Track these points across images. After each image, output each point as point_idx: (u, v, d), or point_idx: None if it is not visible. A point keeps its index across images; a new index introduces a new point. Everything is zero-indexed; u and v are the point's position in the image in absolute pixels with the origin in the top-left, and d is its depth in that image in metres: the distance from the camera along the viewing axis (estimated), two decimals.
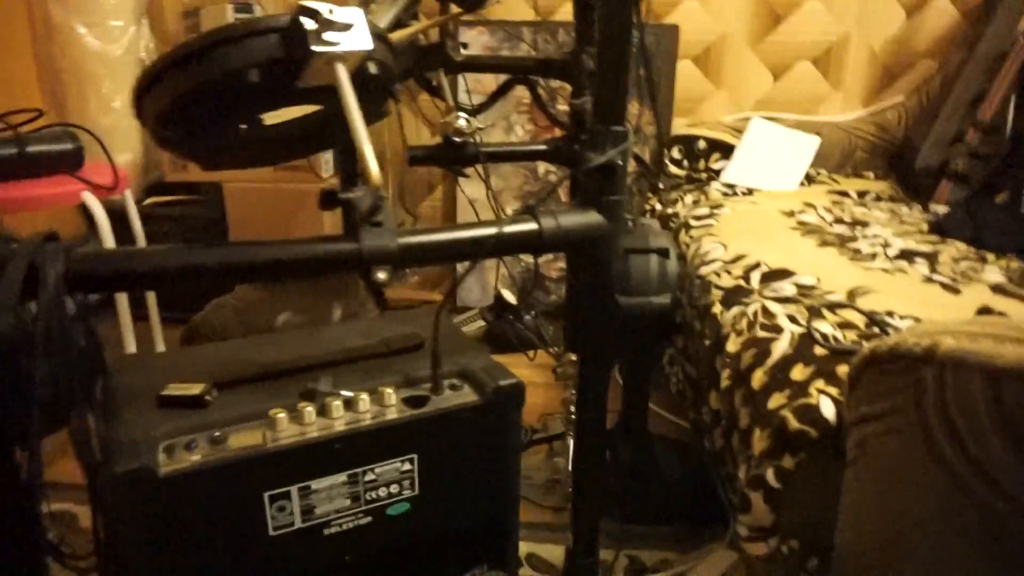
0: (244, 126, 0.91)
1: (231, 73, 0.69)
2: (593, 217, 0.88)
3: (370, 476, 0.81)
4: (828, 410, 0.71)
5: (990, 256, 1.24)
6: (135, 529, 0.70)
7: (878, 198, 1.71)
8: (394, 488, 0.84)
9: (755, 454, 0.74)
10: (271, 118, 0.93)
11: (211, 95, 0.72)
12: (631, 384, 1.24)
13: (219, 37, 0.67)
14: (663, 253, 1.08)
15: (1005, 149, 1.57)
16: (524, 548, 1.18)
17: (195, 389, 0.79)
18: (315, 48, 0.67)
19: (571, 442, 1.35)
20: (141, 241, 1.71)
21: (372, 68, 0.77)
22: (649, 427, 1.35)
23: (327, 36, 0.67)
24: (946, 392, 0.54)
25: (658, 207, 1.86)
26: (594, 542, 1.08)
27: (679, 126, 2.08)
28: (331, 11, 0.67)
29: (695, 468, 1.35)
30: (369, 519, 0.83)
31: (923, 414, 0.56)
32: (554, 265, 2.30)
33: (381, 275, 0.72)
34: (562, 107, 1.26)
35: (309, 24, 0.66)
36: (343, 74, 0.74)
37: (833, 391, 0.73)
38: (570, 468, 1.30)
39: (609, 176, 0.87)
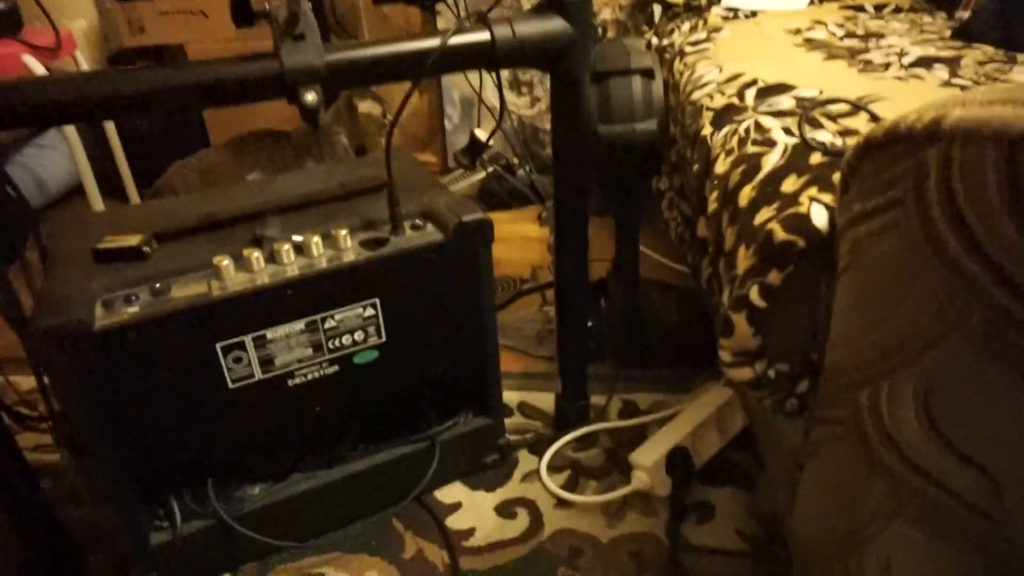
0: None
1: None
2: (555, 23, 0.76)
3: (330, 323, 0.77)
4: (819, 218, 0.64)
5: (1021, 57, 1.10)
6: (76, 387, 0.66)
7: (897, 10, 1.54)
8: (359, 335, 0.79)
9: (739, 273, 0.67)
10: None
11: None
12: (621, 224, 1.17)
13: None
14: (647, 74, 0.97)
15: None
16: (516, 397, 1.16)
17: (132, 240, 0.73)
18: None
19: None
20: None
21: None
22: (647, 273, 1.30)
23: None
24: (951, 172, 0.46)
25: (654, 41, 1.70)
26: (583, 385, 1.05)
27: None
28: None
29: (692, 312, 1.30)
30: (336, 368, 0.79)
31: (924, 203, 0.49)
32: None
33: (309, 97, 0.63)
34: None
35: None
36: None
37: (826, 198, 0.65)
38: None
39: None
